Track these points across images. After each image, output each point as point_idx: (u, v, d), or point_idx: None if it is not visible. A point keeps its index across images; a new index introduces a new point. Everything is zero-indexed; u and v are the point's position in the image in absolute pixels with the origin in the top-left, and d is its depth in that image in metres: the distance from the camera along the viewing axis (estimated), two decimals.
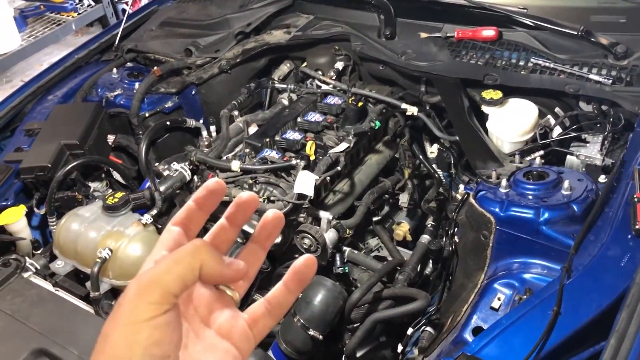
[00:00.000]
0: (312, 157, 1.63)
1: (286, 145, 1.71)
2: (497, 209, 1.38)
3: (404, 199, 1.93)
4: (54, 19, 5.17)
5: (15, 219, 1.67)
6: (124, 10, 5.44)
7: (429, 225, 1.75)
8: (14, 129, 2.03)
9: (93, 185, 1.86)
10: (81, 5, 5.22)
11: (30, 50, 4.74)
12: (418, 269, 1.63)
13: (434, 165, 1.95)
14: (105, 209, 1.56)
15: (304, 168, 1.58)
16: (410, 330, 1.45)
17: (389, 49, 1.87)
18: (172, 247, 0.49)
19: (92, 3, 5.29)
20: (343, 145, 1.68)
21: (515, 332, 1.14)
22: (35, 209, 1.78)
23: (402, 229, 1.91)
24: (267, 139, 1.72)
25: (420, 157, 1.94)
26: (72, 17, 5.09)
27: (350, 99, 1.80)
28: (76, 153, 1.79)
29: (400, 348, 1.46)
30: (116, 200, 1.57)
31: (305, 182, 1.51)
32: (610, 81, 1.60)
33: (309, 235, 1.54)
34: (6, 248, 1.69)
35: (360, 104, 1.78)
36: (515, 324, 1.16)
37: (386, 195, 1.91)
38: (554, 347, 1.09)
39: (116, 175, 1.93)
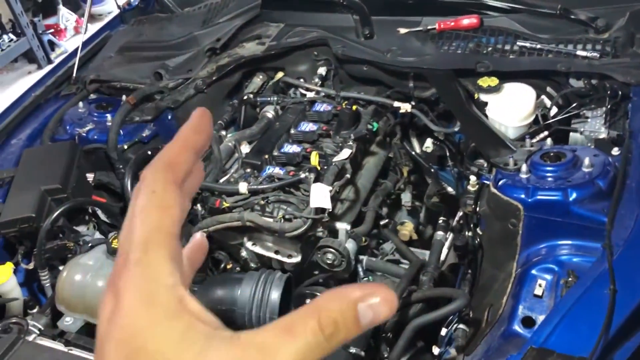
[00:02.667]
0: (318, 168, 1.57)
1: (286, 159, 1.65)
2: (522, 195, 1.37)
3: (406, 198, 1.90)
4: None
5: (4, 279, 1.52)
6: (50, 42, 5.19)
7: (441, 221, 1.72)
8: None
9: (80, 229, 1.72)
10: (2, 41, 4.92)
11: None
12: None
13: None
14: (111, 253, 1.44)
15: (315, 180, 1.51)
16: (444, 331, 1.42)
17: (372, 48, 1.84)
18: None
19: (14, 37, 5.00)
20: (346, 152, 1.62)
21: (577, 317, 1.13)
22: (22, 265, 1.63)
23: (407, 228, 1.88)
24: (266, 156, 1.65)
25: (413, 153, 1.92)
26: None
27: (343, 103, 1.75)
28: (59, 198, 1.65)
29: (437, 350, 1.43)
30: None
31: (320, 195, 1.45)
32: (598, 55, 1.63)
33: (332, 250, 1.48)
34: None
35: (354, 107, 1.73)
36: (574, 308, 1.14)
37: None
38: (620, 326, 1.08)
39: (102, 215, 1.80)
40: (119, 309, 0.34)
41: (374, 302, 0.34)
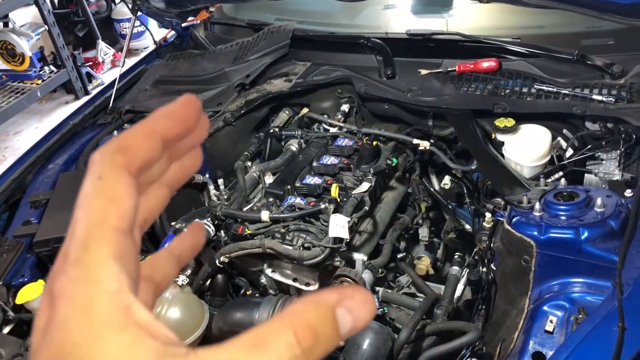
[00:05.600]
0: (338, 200, 1.63)
1: (307, 190, 1.71)
2: (535, 233, 1.41)
3: (423, 233, 1.94)
4: (17, 87, 5.08)
5: (36, 296, 1.59)
6: (88, 74, 5.42)
7: (457, 257, 1.76)
8: (15, 203, 1.96)
9: None
10: (43, 72, 5.15)
11: None
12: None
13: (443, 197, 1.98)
14: None
15: (334, 211, 1.57)
16: None
17: (394, 88, 1.91)
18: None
19: (54, 69, 5.23)
20: (365, 185, 1.68)
21: (585, 353, 1.15)
22: None
23: (424, 263, 1.91)
24: (288, 186, 1.71)
25: (432, 190, 1.96)
26: (37, 84, 5.01)
27: (364, 139, 1.82)
28: None
29: None
30: None
31: (338, 225, 1.50)
32: (613, 100, 1.68)
33: (348, 279, 1.52)
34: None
35: (375, 143, 1.80)
36: (582, 344, 1.16)
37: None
38: None
39: None
40: (53, 319, 0.29)
41: (352, 305, 0.30)
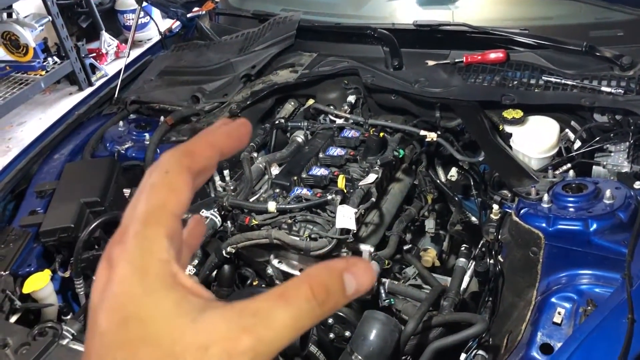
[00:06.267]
0: (344, 191, 1.63)
1: (314, 181, 1.70)
2: (544, 224, 1.40)
3: (429, 224, 1.93)
4: (20, 78, 5.08)
5: (42, 285, 1.59)
6: (91, 65, 5.41)
7: (463, 248, 1.75)
8: (20, 193, 1.96)
9: None
10: (47, 63, 5.14)
11: (1, 112, 4.64)
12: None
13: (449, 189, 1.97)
14: None
15: (341, 202, 1.57)
16: (463, 356, 1.44)
17: (401, 79, 1.90)
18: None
19: (58, 60, 5.23)
20: (372, 177, 1.68)
21: (594, 344, 1.14)
22: (58, 273, 1.71)
23: (430, 254, 1.91)
24: (295, 177, 1.71)
25: (438, 181, 1.96)
26: (40, 75, 5.01)
27: (371, 130, 1.81)
28: (97, 210, 1.74)
29: None
30: None
31: (345, 216, 1.50)
32: (622, 91, 1.67)
33: None
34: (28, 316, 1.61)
35: (382, 134, 1.79)
36: (591, 336, 1.15)
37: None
38: (637, 355, 1.10)
39: None
40: (112, 278, 0.34)
41: (356, 271, 0.36)
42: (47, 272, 1.62)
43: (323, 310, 0.35)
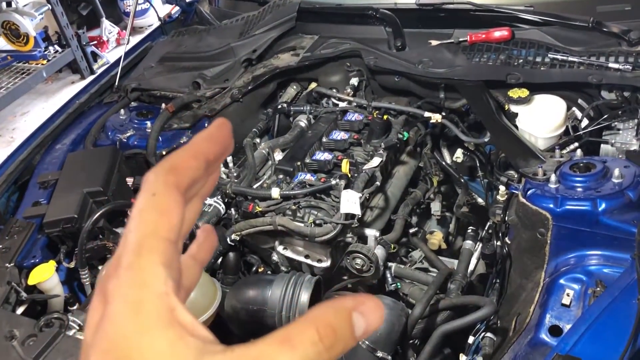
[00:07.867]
0: (349, 175, 1.61)
1: (317, 166, 1.69)
2: (551, 205, 1.38)
3: (435, 207, 1.92)
4: (22, 68, 5.06)
5: (48, 276, 1.59)
6: (93, 53, 5.38)
7: (470, 230, 1.74)
8: (24, 184, 1.95)
9: (119, 230, 1.79)
10: (48, 52, 5.11)
11: (4, 103, 4.62)
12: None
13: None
14: None
15: (345, 187, 1.55)
16: (471, 339, 1.43)
17: (404, 60, 1.87)
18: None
19: (59, 49, 5.20)
20: (376, 160, 1.66)
21: (604, 326, 1.13)
22: (63, 263, 1.70)
23: (436, 237, 1.90)
24: (298, 163, 1.69)
25: (443, 163, 1.94)
26: (42, 64, 4.99)
27: (375, 113, 1.79)
28: (100, 200, 1.73)
29: (464, 358, 1.43)
30: None
31: (350, 201, 1.48)
32: (631, 67, 1.63)
33: (360, 255, 1.51)
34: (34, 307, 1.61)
35: (385, 117, 1.77)
36: (600, 318, 1.14)
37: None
38: None
39: None
40: (106, 315, 0.33)
41: (365, 310, 0.34)
42: (52, 263, 1.62)
43: (330, 355, 0.33)
